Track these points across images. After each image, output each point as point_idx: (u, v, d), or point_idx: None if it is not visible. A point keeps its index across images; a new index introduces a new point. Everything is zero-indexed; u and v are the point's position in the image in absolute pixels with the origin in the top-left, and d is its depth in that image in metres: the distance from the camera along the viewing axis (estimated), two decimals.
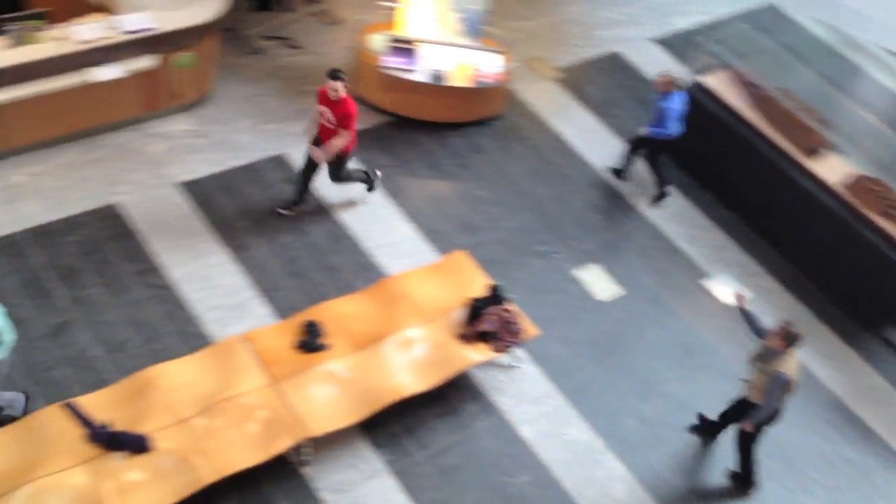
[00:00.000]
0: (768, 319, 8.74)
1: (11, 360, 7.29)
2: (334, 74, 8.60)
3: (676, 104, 9.77)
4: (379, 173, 9.71)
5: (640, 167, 10.45)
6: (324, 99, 8.76)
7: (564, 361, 8.69)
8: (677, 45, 12.51)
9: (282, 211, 9.29)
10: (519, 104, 11.22)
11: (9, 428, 6.87)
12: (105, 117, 9.60)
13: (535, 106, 11.26)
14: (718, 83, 10.62)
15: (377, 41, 10.65)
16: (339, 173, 9.23)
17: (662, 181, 10.35)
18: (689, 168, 10.81)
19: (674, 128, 9.82)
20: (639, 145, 10.27)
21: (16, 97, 8.81)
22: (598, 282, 9.51)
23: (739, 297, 7.98)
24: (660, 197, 10.39)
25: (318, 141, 8.99)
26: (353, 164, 9.46)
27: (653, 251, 9.92)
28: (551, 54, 12.07)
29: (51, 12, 9.09)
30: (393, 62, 10.43)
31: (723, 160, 10.53)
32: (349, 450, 7.65)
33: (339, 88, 8.59)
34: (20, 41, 8.82)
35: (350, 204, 9.54)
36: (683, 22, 13.05)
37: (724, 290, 9.63)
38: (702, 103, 10.45)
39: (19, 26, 8.80)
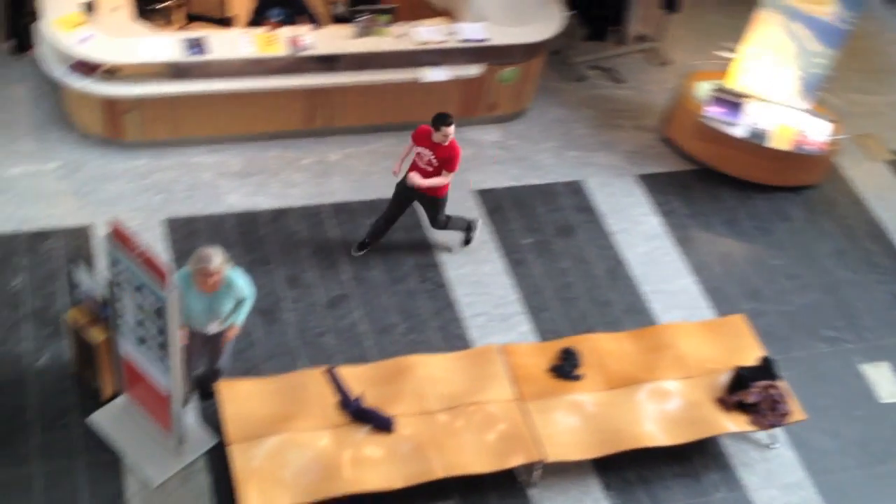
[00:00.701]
0: None
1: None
2: (447, 120, 8.33)
3: None
4: (478, 224, 9.49)
5: None
6: (424, 140, 8.55)
7: (827, 456, 8.33)
8: None
9: (355, 253, 9.17)
10: (839, 179, 10.85)
11: (275, 379, 7.62)
12: (422, 116, 10.27)
13: (856, 184, 10.85)
14: None
15: (703, 89, 10.70)
16: (437, 218, 9.04)
17: None
18: None
19: None
20: None
21: (349, 82, 9.73)
22: (887, 383, 9.01)
23: None
24: None
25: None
26: (451, 212, 9.25)
27: None
28: (888, 135, 11.56)
29: (398, 10, 9.95)
30: (715, 113, 10.44)
31: None
32: (579, 484, 7.79)
33: (451, 133, 8.42)
34: (365, 32, 9.72)
35: (637, 244, 9.71)
36: None
37: None
38: None
39: (368, 18, 9.71)
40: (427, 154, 8.57)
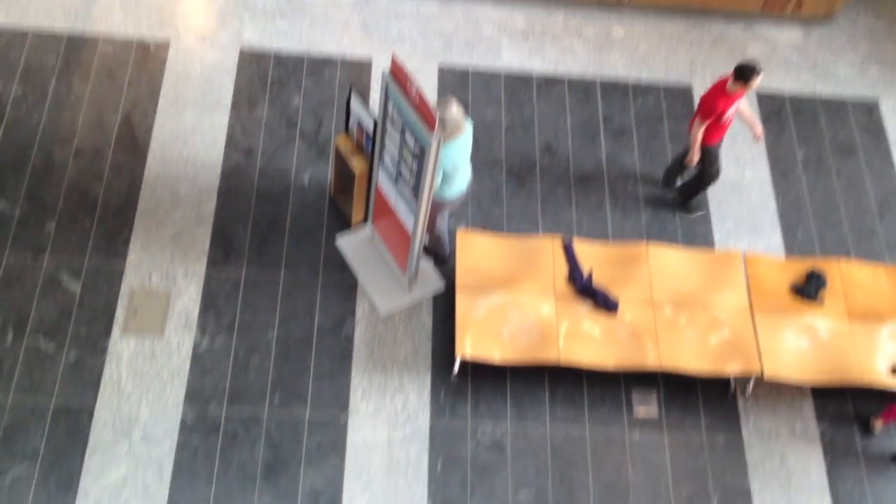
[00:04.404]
0: None
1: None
2: (758, 69, 7.72)
3: None
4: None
5: None
6: (727, 102, 7.90)
7: None
8: None
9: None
10: None
11: (512, 238, 8.10)
12: (722, 3, 10.19)
13: None
14: None
15: None
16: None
17: None
18: None
19: None
20: None
21: None
22: None
23: None
24: None
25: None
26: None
27: None
28: None
29: None
30: None
31: None
32: (791, 406, 7.87)
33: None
34: None
35: None
36: None
37: None
38: None
39: None
40: (732, 108, 8.07)
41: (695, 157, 8.25)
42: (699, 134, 8.11)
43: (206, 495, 7.06)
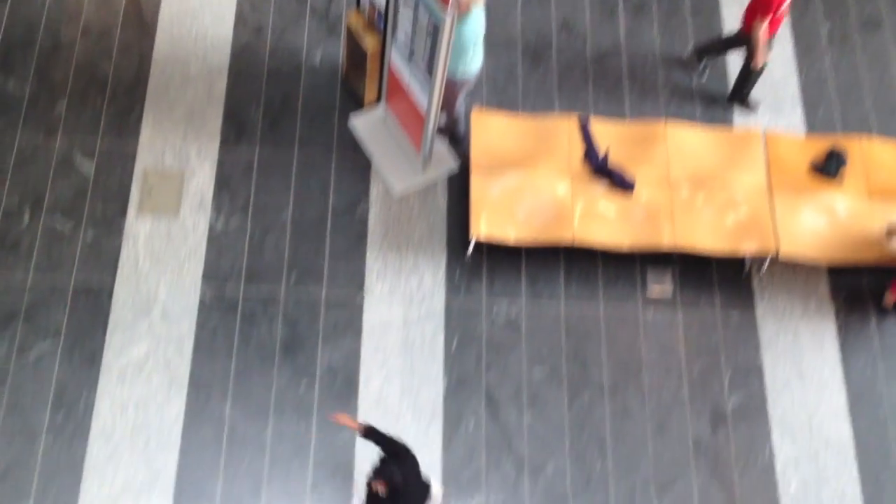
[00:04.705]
0: None
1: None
2: None
3: None
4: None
5: None
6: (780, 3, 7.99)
7: None
8: None
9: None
10: None
11: (527, 117, 8.14)
12: None
13: None
14: None
15: None
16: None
17: None
18: None
19: None
20: None
21: None
22: None
23: None
24: None
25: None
26: None
27: None
28: None
29: None
30: None
31: None
32: (806, 283, 8.02)
33: None
34: None
35: None
36: None
37: None
38: None
39: None
40: (787, 1, 8.12)
41: (761, 59, 8.22)
42: (764, 33, 8.07)
43: (227, 371, 7.31)
